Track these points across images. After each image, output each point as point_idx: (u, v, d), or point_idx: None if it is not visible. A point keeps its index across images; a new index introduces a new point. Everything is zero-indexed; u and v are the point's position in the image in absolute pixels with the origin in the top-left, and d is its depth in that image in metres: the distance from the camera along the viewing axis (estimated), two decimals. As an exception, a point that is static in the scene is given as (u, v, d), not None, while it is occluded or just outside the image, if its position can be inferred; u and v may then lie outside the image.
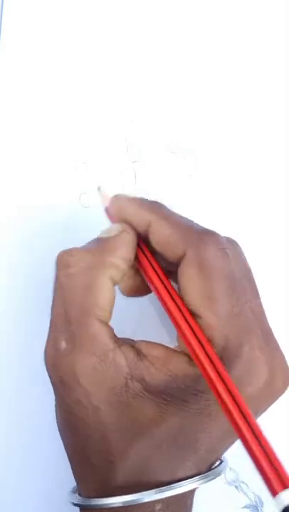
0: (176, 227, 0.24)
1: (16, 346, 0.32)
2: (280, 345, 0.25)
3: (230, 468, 0.32)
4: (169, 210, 0.25)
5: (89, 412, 0.23)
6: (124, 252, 0.24)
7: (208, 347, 0.22)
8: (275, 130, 0.37)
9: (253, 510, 0.32)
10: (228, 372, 0.22)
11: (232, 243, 0.25)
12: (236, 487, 0.32)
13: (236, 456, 0.31)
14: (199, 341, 0.22)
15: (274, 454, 0.19)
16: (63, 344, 0.23)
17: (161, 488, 0.23)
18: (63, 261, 0.24)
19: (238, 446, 0.32)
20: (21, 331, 0.32)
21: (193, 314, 0.23)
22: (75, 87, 0.33)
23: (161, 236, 0.24)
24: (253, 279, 0.25)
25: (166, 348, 0.24)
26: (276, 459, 0.18)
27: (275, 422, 0.35)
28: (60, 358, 0.23)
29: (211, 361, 0.21)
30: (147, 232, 0.25)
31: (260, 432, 0.19)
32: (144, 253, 0.25)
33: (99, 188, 0.28)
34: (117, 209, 0.26)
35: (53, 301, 0.24)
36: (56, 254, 0.32)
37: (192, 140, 0.35)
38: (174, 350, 0.23)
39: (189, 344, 0.22)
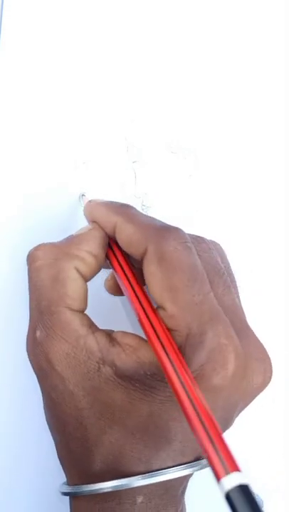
0: (138, 225, 0.25)
1: (10, 344, 0.32)
2: (280, 344, 0.25)
3: (231, 469, 0.32)
4: (135, 212, 0.26)
5: (65, 397, 0.24)
6: (89, 245, 0.26)
7: (163, 336, 0.22)
8: (275, 130, 0.37)
9: (253, 510, 0.32)
10: (192, 360, 0.22)
11: (203, 241, 0.27)
12: (236, 487, 0.32)
13: (236, 456, 0.31)
14: (155, 332, 0.23)
15: (219, 439, 0.19)
16: (38, 333, 0.24)
17: (142, 475, 0.24)
18: (32, 255, 0.26)
19: (238, 447, 0.32)
20: (22, 330, 0.32)
21: (158, 308, 0.24)
22: (75, 87, 0.33)
23: (124, 235, 0.25)
24: (227, 275, 0.26)
25: (140, 337, 0.24)
26: (221, 443, 0.19)
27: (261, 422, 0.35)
28: (37, 347, 0.24)
29: (164, 349, 0.22)
30: (114, 234, 0.26)
31: (207, 414, 0.19)
32: (115, 255, 0.26)
33: (82, 196, 0.31)
34: (88, 213, 0.28)
35: (29, 294, 0.26)
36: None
37: (192, 140, 0.35)
38: (145, 340, 0.24)
39: (147, 334, 0.23)
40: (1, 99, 0.32)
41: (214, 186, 0.36)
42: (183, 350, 0.23)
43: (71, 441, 0.25)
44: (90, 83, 0.34)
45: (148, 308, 0.24)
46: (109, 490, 0.24)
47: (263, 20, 0.37)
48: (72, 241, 0.26)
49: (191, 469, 0.25)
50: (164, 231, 0.24)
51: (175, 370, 0.21)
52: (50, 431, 0.26)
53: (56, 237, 0.32)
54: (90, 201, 0.28)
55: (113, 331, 0.25)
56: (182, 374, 0.21)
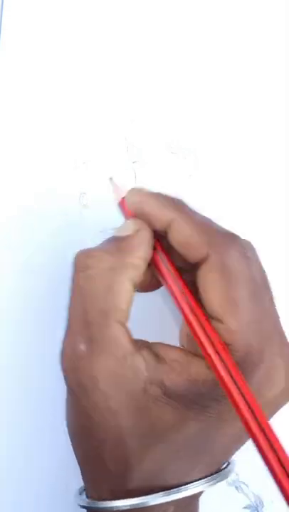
0: (198, 227, 0.23)
1: (17, 347, 0.31)
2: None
3: (231, 469, 0.32)
4: (191, 209, 0.24)
5: (107, 415, 0.22)
6: (142, 251, 0.24)
7: (222, 351, 0.21)
8: (275, 130, 0.37)
9: (253, 510, 0.32)
10: (250, 378, 0.22)
11: (251, 248, 0.24)
12: (236, 488, 0.32)
13: (237, 456, 0.31)
14: (215, 348, 0.21)
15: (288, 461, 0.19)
16: (82, 347, 0.22)
17: (167, 491, 0.23)
18: (82, 262, 0.24)
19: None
20: (22, 330, 0.32)
21: (211, 318, 0.22)
22: (75, 87, 0.33)
23: (182, 236, 0.23)
24: (269, 284, 0.25)
25: (184, 351, 0.23)
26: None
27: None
28: (79, 361, 0.22)
29: (226, 367, 0.21)
30: (167, 231, 0.24)
31: (277, 441, 0.20)
32: (156, 250, 0.24)
33: (111, 179, 0.27)
34: (137, 203, 0.24)
35: (71, 302, 0.24)
36: (56, 254, 0.32)
37: (192, 140, 0.35)
38: (192, 354, 0.23)
39: (204, 348, 0.22)
40: (1, 99, 0.32)
41: (214, 186, 0.36)
42: (240, 367, 0.22)
43: (108, 459, 0.23)
44: (90, 83, 0.34)
45: (203, 320, 0.22)
46: (146, 505, 0.23)
47: (263, 21, 0.37)
48: (124, 247, 0.24)
49: (215, 481, 0.24)
50: (228, 238, 0.23)
51: (239, 390, 0.20)
52: (76, 446, 0.25)
53: (56, 237, 0.32)
54: (135, 189, 0.25)
55: (147, 341, 0.24)
56: (246, 393, 0.20)
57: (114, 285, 0.23)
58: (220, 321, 0.22)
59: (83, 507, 0.24)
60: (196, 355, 0.23)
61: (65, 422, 0.25)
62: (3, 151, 0.32)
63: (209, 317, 0.23)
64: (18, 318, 0.32)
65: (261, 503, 0.32)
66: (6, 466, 0.31)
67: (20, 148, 0.32)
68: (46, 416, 0.30)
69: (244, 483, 0.32)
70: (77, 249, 0.31)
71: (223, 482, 0.32)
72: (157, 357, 0.23)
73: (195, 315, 0.22)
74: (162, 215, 0.24)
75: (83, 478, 0.25)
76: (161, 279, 0.24)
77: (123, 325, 0.23)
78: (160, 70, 0.35)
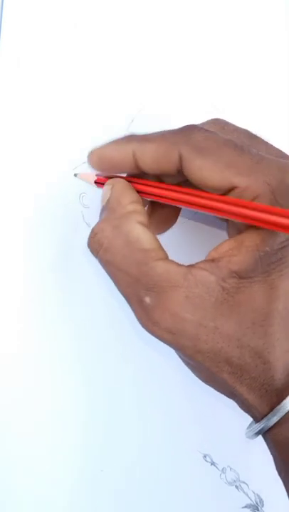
0: (157, 140, 0.25)
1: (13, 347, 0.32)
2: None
3: (231, 469, 0.32)
4: (145, 134, 0.26)
5: (211, 336, 0.23)
6: (127, 197, 0.25)
7: (253, 205, 0.22)
8: (275, 130, 0.37)
9: (254, 509, 0.32)
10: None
11: (218, 122, 0.27)
12: (236, 487, 0.32)
13: (237, 456, 0.31)
14: (246, 207, 0.22)
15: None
16: (147, 299, 0.23)
17: None
18: (94, 244, 0.25)
19: (238, 446, 0.33)
20: (23, 329, 0.32)
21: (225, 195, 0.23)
22: (75, 87, 0.33)
23: (149, 156, 0.24)
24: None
25: (228, 240, 0.24)
26: None
27: None
28: (154, 312, 0.23)
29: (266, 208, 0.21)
30: (135, 163, 0.25)
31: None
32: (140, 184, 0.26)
33: (76, 175, 0.29)
34: (97, 160, 0.26)
35: (114, 280, 0.25)
36: (56, 254, 0.32)
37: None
38: (232, 238, 0.24)
39: (241, 213, 0.22)
40: (1, 99, 0.32)
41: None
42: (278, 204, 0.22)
43: (243, 373, 0.23)
44: (90, 83, 0.34)
45: (219, 197, 0.23)
46: None
47: (262, 21, 0.37)
48: (112, 206, 0.25)
49: None
50: (186, 131, 0.24)
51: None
52: (214, 386, 0.25)
53: (56, 237, 0.32)
54: (90, 152, 0.27)
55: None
56: None
57: (129, 236, 0.24)
58: (231, 189, 0.23)
59: (257, 434, 0.24)
60: (240, 233, 0.24)
61: None
62: (3, 152, 0.32)
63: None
64: (20, 319, 0.32)
65: (261, 502, 0.32)
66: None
67: (21, 148, 0.32)
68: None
69: (244, 482, 0.32)
70: (77, 250, 0.31)
71: (224, 481, 0.32)
72: (212, 261, 0.23)
73: (201, 196, 0.23)
74: (126, 152, 0.25)
75: (245, 408, 0.25)
76: (164, 201, 0.25)
77: (164, 259, 0.23)
78: (160, 70, 0.35)
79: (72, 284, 0.32)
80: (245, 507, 0.32)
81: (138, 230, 0.24)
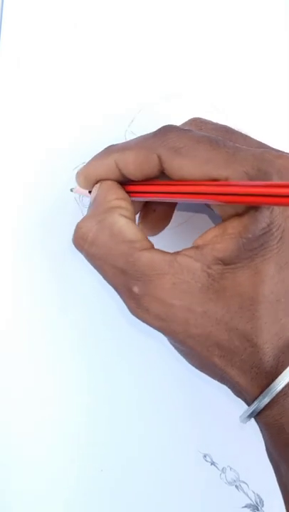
0: (135, 147, 0.25)
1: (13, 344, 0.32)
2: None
3: (231, 468, 0.32)
4: (120, 143, 0.26)
5: (200, 321, 0.23)
6: (112, 193, 0.26)
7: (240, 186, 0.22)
8: (275, 130, 0.37)
9: (254, 509, 0.32)
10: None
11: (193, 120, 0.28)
12: (236, 487, 0.32)
13: (237, 456, 0.32)
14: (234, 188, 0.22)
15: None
16: (136, 289, 0.24)
17: None
18: (78, 238, 0.25)
19: (238, 446, 0.33)
20: (23, 329, 0.32)
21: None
22: (74, 87, 0.33)
23: (130, 163, 0.25)
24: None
25: (212, 227, 0.24)
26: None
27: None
28: (144, 300, 0.24)
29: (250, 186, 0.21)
30: (120, 171, 0.26)
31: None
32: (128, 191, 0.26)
33: (72, 190, 0.30)
34: (84, 176, 0.27)
35: (101, 273, 0.25)
36: (56, 254, 0.32)
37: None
38: (216, 226, 0.24)
39: (230, 199, 0.22)
40: (1, 99, 0.32)
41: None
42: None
43: (233, 356, 0.23)
44: (90, 83, 0.34)
45: (205, 183, 0.23)
46: None
47: (262, 21, 0.37)
48: (98, 202, 0.26)
49: None
50: (161, 133, 0.25)
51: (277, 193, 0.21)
52: (205, 371, 0.25)
53: (56, 237, 0.32)
54: (76, 174, 0.28)
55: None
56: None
57: (113, 229, 0.24)
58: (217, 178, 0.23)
59: (249, 416, 0.24)
60: (224, 220, 0.24)
61: None
62: (3, 152, 0.32)
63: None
64: (21, 318, 0.32)
65: (261, 502, 0.32)
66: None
67: (20, 148, 0.32)
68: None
69: (244, 482, 0.32)
70: (76, 250, 0.31)
71: (224, 481, 0.32)
72: (197, 248, 0.24)
73: (190, 184, 0.24)
74: (109, 166, 0.26)
75: (237, 392, 0.25)
76: (156, 197, 0.26)
77: (150, 249, 0.24)
78: (160, 70, 0.35)
79: (72, 284, 0.32)
80: (245, 507, 0.32)
81: (122, 222, 0.25)
